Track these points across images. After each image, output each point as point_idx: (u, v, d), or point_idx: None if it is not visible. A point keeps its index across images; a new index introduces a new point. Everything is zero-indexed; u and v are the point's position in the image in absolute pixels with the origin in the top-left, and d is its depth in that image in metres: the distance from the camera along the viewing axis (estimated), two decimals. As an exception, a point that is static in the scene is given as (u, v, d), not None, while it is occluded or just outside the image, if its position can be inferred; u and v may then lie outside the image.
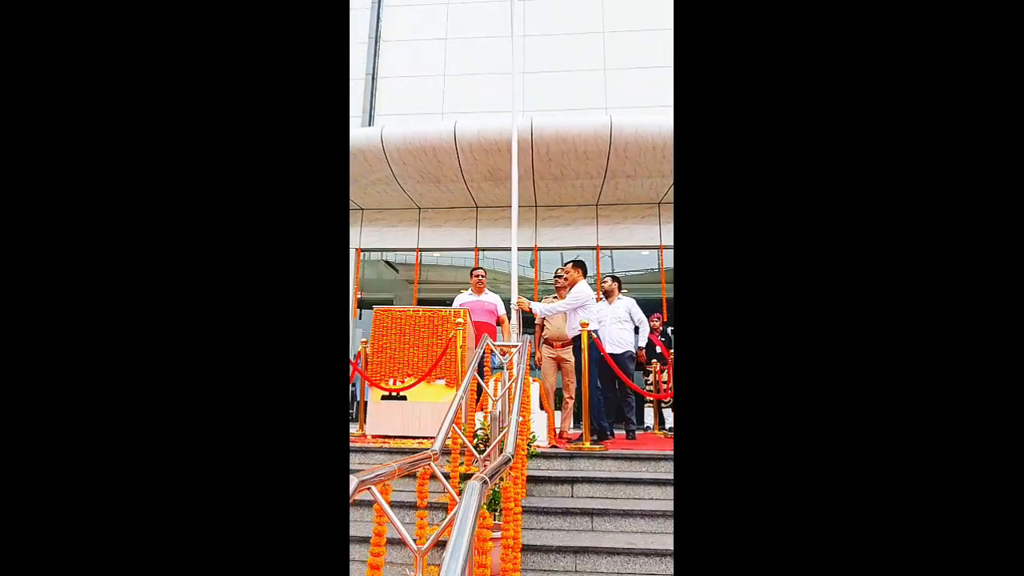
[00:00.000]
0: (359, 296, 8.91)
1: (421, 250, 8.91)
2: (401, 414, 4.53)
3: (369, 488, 1.33)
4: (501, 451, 2.38)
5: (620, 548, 2.70)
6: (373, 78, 9.18)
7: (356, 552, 2.72)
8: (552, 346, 4.74)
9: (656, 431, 6.15)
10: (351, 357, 5.04)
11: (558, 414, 4.92)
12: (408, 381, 4.52)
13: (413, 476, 2.38)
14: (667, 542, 2.78)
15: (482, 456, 3.12)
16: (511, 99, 5.96)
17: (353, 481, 1.40)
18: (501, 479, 2.06)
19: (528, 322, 4.96)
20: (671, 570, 2.66)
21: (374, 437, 4.35)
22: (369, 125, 8.29)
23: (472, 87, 8.94)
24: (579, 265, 4.73)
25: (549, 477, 3.37)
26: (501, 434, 2.88)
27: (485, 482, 1.36)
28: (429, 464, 1.95)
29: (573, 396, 4.75)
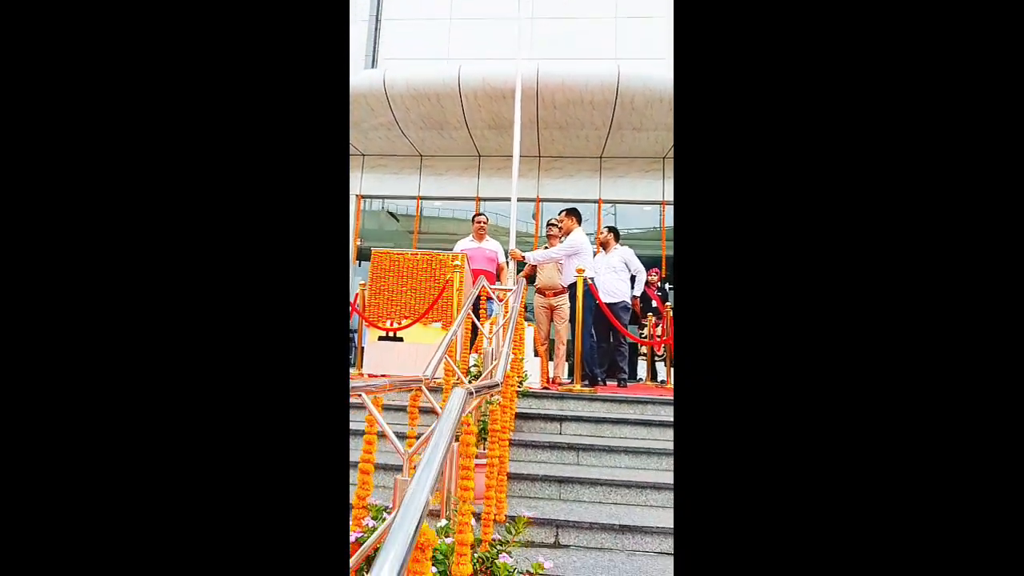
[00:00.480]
0: (359, 245, 8.92)
1: (422, 198, 8.87)
2: (397, 355, 4.62)
3: (360, 395, 1.40)
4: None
5: (603, 479, 2.82)
6: (377, 20, 8.92)
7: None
8: (544, 295, 4.80)
9: (648, 382, 6.28)
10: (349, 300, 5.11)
11: (552, 364, 5.02)
12: (405, 323, 4.59)
13: (404, 410, 2.47)
14: (648, 476, 2.89)
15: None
16: (517, 45, 5.82)
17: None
18: (488, 402, 2.14)
19: (529, 278, 5.00)
20: (650, 501, 2.79)
21: (370, 376, 4.46)
22: (372, 68, 8.11)
23: (478, 32, 8.70)
24: (573, 213, 4.73)
25: (539, 415, 3.48)
26: (492, 365, 2.96)
27: (471, 392, 1.42)
28: (420, 386, 2.03)
29: (565, 343, 4.84)
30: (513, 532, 1.81)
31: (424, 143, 8.37)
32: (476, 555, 1.68)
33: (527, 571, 1.71)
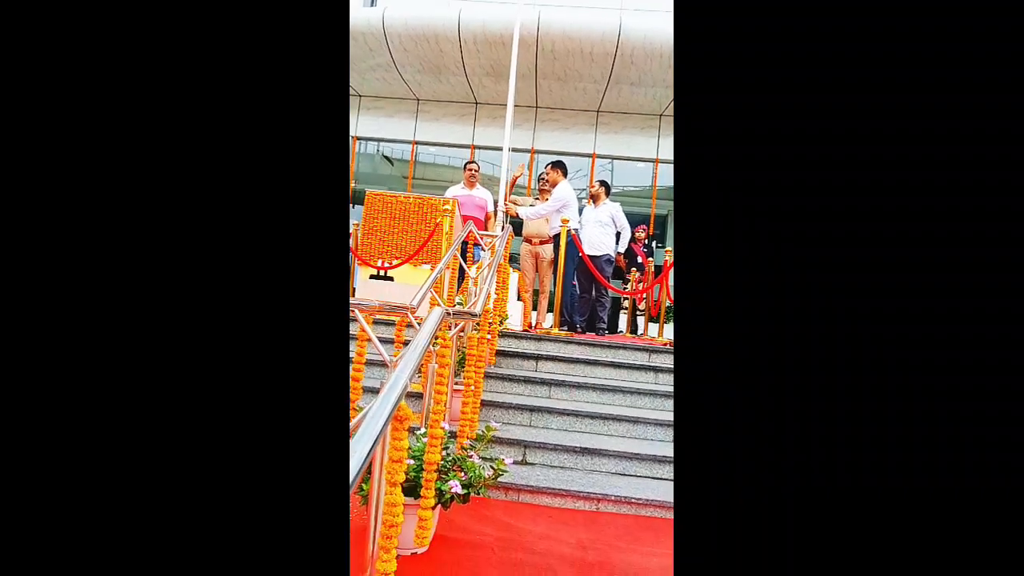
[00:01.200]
0: (353, 187, 8.98)
1: (417, 143, 8.89)
2: (387, 293, 4.84)
3: (354, 311, 1.61)
4: (472, 315, 2.68)
5: (570, 410, 3.10)
6: (378, -47, 8.69)
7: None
8: (531, 243, 4.99)
9: (627, 334, 6.56)
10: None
11: (535, 312, 5.26)
12: (395, 263, 4.79)
13: (391, 343, 2.70)
14: (612, 410, 3.18)
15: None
16: (518, -11, 5.77)
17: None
18: (463, 332, 2.36)
19: (516, 226, 5.17)
20: (611, 431, 3.08)
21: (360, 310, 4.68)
22: (372, 5, 7.97)
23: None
24: (558, 166, 4.88)
25: (517, 352, 3.74)
26: (472, 297, 3.18)
27: (448, 312, 1.63)
28: (406, 313, 2.24)
29: (546, 293, 5.07)
30: (482, 439, 2.07)
31: (421, 87, 8.33)
32: (449, 456, 1.94)
33: (492, 468, 1.98)
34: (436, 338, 1.77)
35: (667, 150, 8.55)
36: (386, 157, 9.30)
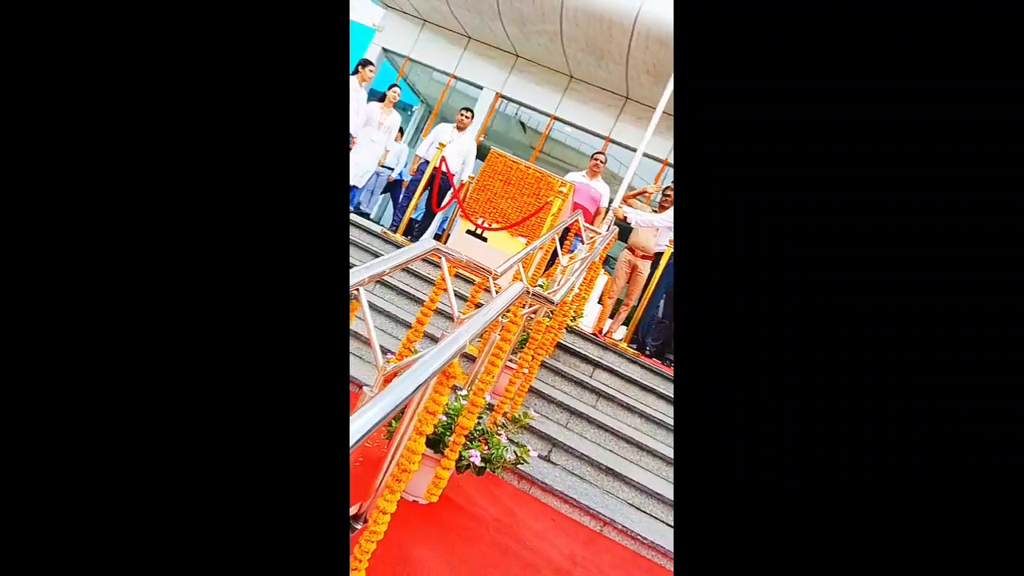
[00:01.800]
0: (481, 140, 9.13)
1: (556, 118, 8.85)
2: (477, 252, 4.91)
3: (438, 249, 1.63)
4: (548, 302, 2.66)
5: (609, 427, 3.04)
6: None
7: (408, 312, 3.21)
8: (633, 252, 4.86)
9: (692, 374, 6.30)
10: (455, 187, 5.40)
11: (610, 320, 5.16)
12: (495, 226, 4.84)
13: (465, 299, 2.74)
14: (651, 444, 3.07)
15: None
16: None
17: (428, 243, 1.71)
18: (534, 315, 2.35)
19: (624, 233, 5.05)
20: (643, 462, 2.99)
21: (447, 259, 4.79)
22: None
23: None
24: None
25: (578, 352, 3.69)
26: (555, 284, 3.16)
27: (528, 291, 1.62)
28: (488, 278, 2.26)
29: (630, 307, 4.94)
30: (516, 421, 2.07)
31: (578, 66, 8.25)
32: (479, 427, 1.96)
33: (515, 454, 1.98)
34: (508, 311, 1.77)
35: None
36: (521, 123, 9.35)
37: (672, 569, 2.36)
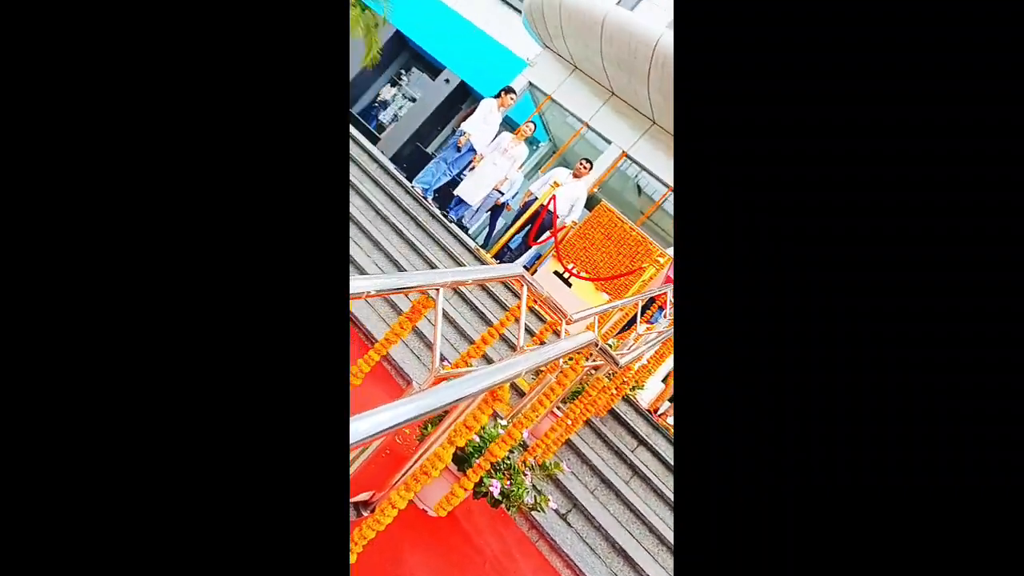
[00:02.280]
0: (594, 191, 9.23)
1: (673, 190, 8.80)
2: (559, 296, 4.93)
3: (524, 276, 1.66)
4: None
5: (637, 508, 2.89)
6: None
7: (475, 328, 3.26)
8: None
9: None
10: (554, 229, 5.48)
11: (668, 405, 4.96)
12: (583, 275, 4.84)
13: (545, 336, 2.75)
14: (669, 535, 2.89)
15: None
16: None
17: (517, 268, 1.75)
18: (596, 371, 2.31)
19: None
20: (659, 555, 2.81)
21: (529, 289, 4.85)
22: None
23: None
24: None
25: (627, 423, 3.57)
26: (625, 348, 3.10)
27: (596, 344, 1.61)
28: (561, 320, 2.26)
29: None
30: (545, 468, 2.03)
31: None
32: (508, 462, 1.94)
33: (535, 499, 1.94)
34: (570, 357, 1.76)
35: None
36: (638, 186, 9.38)
37: None
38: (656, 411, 4.78)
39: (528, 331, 3.34)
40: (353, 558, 1.28)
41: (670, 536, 2.91)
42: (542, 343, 2.49)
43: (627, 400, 3.80)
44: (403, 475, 1.49)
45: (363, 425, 0.85)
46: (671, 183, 8.73)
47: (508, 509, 1.86)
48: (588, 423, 3.24)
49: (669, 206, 9.00)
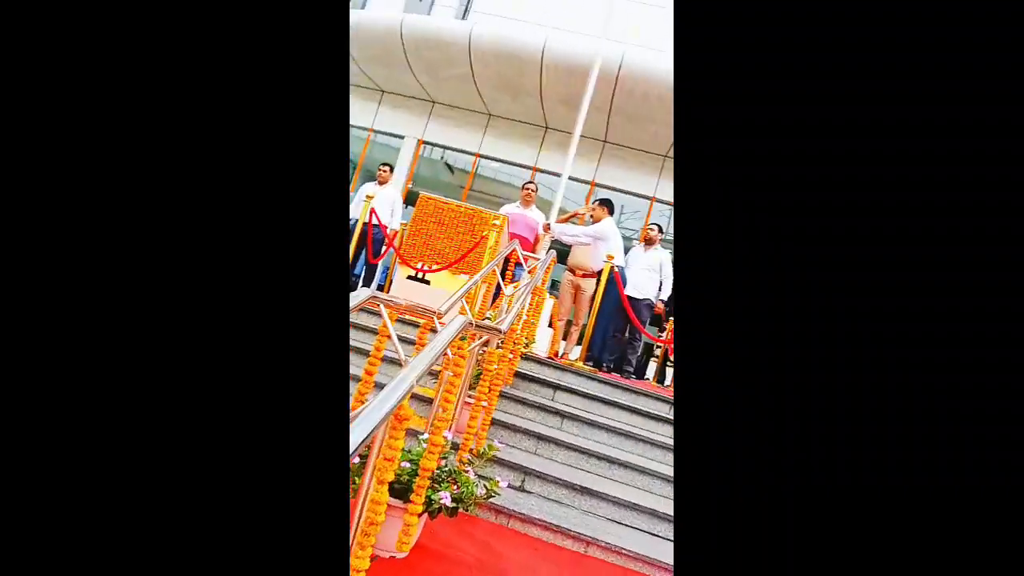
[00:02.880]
0: (409, 187, 9.17)
1: (481, 156, 9.04)
2: (421, 296, 4.89)
3: (379, 304, 1.62)
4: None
5: (579, 447, 3.04)
6: (478, -28, 8.98)
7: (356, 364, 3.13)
8: (574, 273, 4.97)
9: (653, 382, 6.42)
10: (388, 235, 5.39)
11: (564, 342, 5.22)
12: (435, 267, 4.84)
13: (413, 343, 2.72)
14: (622, 456, 3.09)
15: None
16: (605, 25, 5.86)
17: (364, 293, 1.70)
18: (487, 346, 2.35)
19: (563, 255, 5.17)
20: (615, 476, 2.99)
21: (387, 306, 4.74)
22: (463, 18, 8.24)
23: (572, 3, 8.67)
24: (606, 203, 4.90)
25: (536, 378, 3.70)
26: (503, 314, 3.18)
27: (471, 322, 1.63)
28: (432, 317, 2.26)
29: (579, 326, 5.02)
30: (483, 456, 2.04)
31: (495, 103, 8.50)
32: (446, 467, 1.92)
33: (485, 488, 1.95)
34: (454, 346, 1.77)
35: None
36: (448, 165, 9.48)
37: (661, 576, 2.36)
38: (557, 355, 5.00)
39: (409, 342, 3.29)
40: None
41: (617, 454, 3.11)
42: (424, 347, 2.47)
43: (527, 358, 3.93)
44: (352, 539, 1.41)
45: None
46: (475, 149, 8.95)
47: (467, 510, 1.86)
48: (503, 396, 3.30)
49: (483, 170, 9.23)
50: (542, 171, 8.76)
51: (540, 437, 3.05)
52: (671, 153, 8.32)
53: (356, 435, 1.05)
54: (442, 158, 9.49)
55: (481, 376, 2.59)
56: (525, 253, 4.43)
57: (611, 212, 4.91)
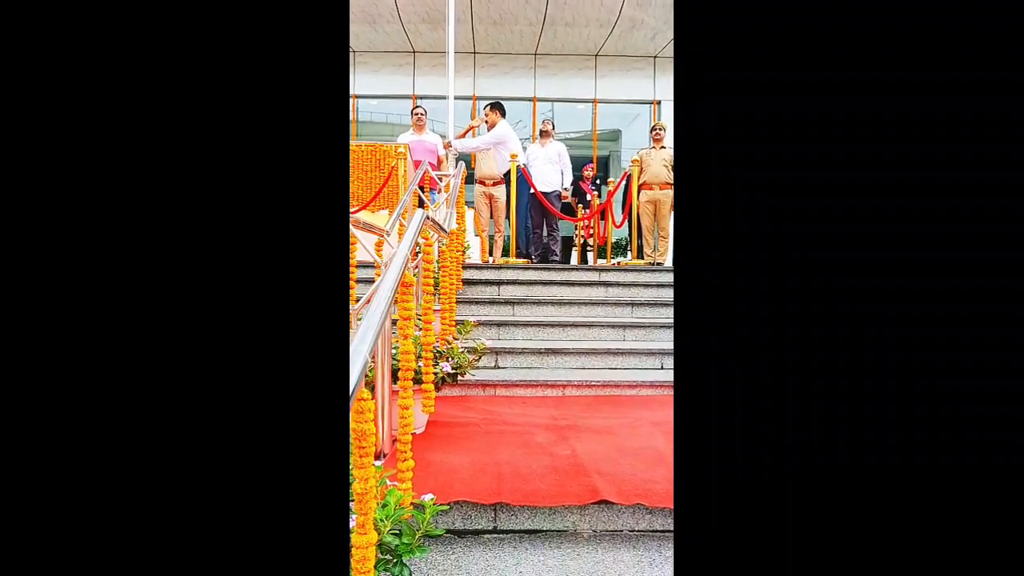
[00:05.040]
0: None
1: (357, 96, 8.81)
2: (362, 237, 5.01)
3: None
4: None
5: (532, 322, 3.47)
6: None
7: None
8: (484, 184, 5.24)
9: (578, 265, 6.98)
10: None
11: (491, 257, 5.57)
12: (353, 210, 4.95)
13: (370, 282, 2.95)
14: (570, 319, 3.56)
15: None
16: (449, -70, 5.79)
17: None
18: (442, 254, 2.64)
19: (470, 170, 5.39)
20: (569, 336, 3.47)
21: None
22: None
23: (407, -85, 8.32)
24: (496, 107, 5.14)
25: (480, 280, 4.05)
26: (446, 212, 3.45)
27: (427, 216, 1.90)
28: (383, 236, 2.50)
29: (502, 230, 5.37)
30: (463, 332, 2.40)
31: (357, 38, 8.21)
32: (439, 351, 2.26)
33: (475, 350, 2.32)
34: (418, 242, 2.04)
35: (604, 91, 8.82)
36: (326, 113, 9.16)
37: (634, 382, 2.88)
38: (487, 261, 5.36)
39: (370, 266, 3.50)
40: (408, 485, 1.52)
41: (565, 319, 3.57)
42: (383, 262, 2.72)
43: (465, 266, 4.25)
44: (384, 428, 1.72)
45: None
46: (348, 91, 8.69)
47: (463, 375, 2.22)
48: (458, 301, 3.64)
49: (364, 114, 9.02)
50: (422, 97, 8.70)
51: (500, 324, 3.45)
52: (541, 50, 8.50)
53: (372, 319, 1.24)
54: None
55: (439, 285, 2.89)
56: (437, 173, 4.63)
57: (503, 114, 5.15)
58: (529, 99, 8.74)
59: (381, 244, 2.56)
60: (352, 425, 0.90)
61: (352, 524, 1.06)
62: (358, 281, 1.97)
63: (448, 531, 1.59)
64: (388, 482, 1.32)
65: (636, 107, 9.10)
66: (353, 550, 0.97)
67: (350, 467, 0.92)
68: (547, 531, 1.62)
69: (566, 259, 7.38)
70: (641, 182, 5.07)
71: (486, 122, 5.22)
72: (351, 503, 1.00)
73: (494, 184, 5.21)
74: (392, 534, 1.20)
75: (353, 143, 5.10)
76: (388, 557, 1.20)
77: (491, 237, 5.55)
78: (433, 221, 2.17)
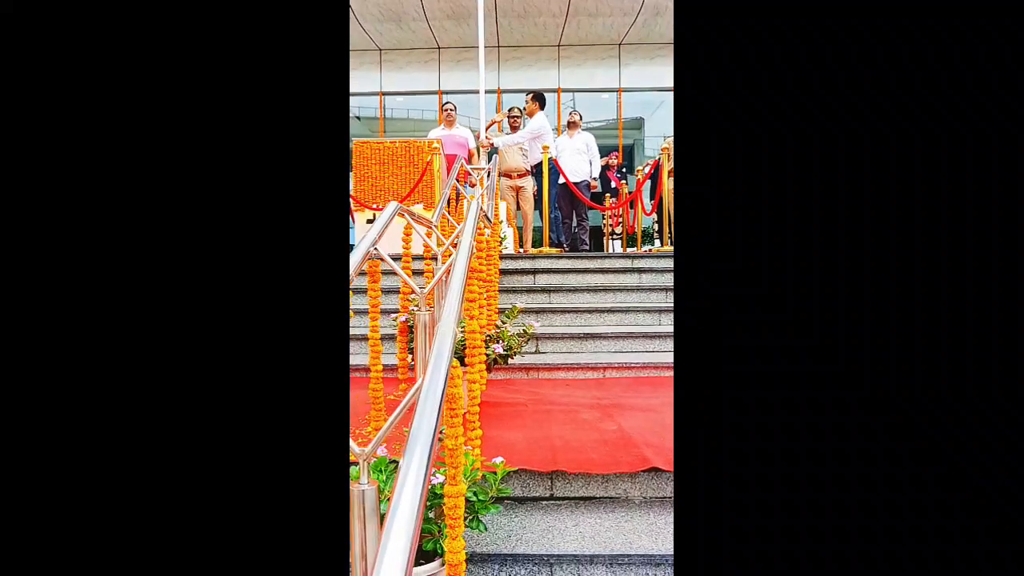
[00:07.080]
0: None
1: (385, 94, 8.98)
2: (395, 229, 5.17)
3: (377, 252, 1.99)
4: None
5: (569, 308, 3.58)
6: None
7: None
8: (510, 177, 5.35)
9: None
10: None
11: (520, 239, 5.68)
12: (390, 206, 5.11)
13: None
14: (606, 305, 3.66)
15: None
16: (473, -73, 5.88)
17: (359, 252, 2.05)
18: (482, 239, 2.76)
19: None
20: (606, 321, 3.58)
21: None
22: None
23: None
24: (538, 98, 5.20)
25: (516, 269, 4.18)
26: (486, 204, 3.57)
27: (481, 208, 2.02)
28: (431, 229, 2.64)
29: (530, 224, 5.48)
30: (510, 317, 2.53)
31: (383, 36, 8.37)
32: (489, 335, 2.39)
33: (523, 331, 2.45)
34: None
35: (629, 80, 8.82)
36: (355, 117, 9.37)
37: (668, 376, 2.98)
38: (521, 253, 5.48)
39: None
40: (478, 452, 1.64)
41: (601, 304, 3.67)
42: (432, 258, 2.87)
43: (500, 256, 4.38)
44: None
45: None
46: (375, 88, 8.86)
47: (513, 357, 2.35)
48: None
49: (392, 111, 9.19)
50: (448, 92, 8.82)
51: (537, 311, 3.57)
52: (564, 41, 8.54)
53: (451, 315, 1.32)
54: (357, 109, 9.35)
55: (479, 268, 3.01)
56: (471, 167, 4.76)
57: (543, 106, 5.22)
58: (553, 90, 8.79)
59: (429, 236, 2.70)
60: (447, 390, 1.02)
61: (442, 480, 1.20)
62: (414, 273, 2.09)
63: (509, 498, 1.72)
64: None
65: (660, 95, 9.08)
66: (446, 499, 1.10)
67: (441, 428, 1.03)
68: (600, 497, 1.74)
69: (596, 248, 7.45)
70: (670, 168, 5.12)
71: (509, 115, 5.31)
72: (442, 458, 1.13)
73: (520, 176, 5.31)
74: (471, 491, 1.34)
75: (386, 140, 5.26)
76: (465, 513, 1.33)
77: (519, 228, 5.66)
78: (484, 212, 2.30)
